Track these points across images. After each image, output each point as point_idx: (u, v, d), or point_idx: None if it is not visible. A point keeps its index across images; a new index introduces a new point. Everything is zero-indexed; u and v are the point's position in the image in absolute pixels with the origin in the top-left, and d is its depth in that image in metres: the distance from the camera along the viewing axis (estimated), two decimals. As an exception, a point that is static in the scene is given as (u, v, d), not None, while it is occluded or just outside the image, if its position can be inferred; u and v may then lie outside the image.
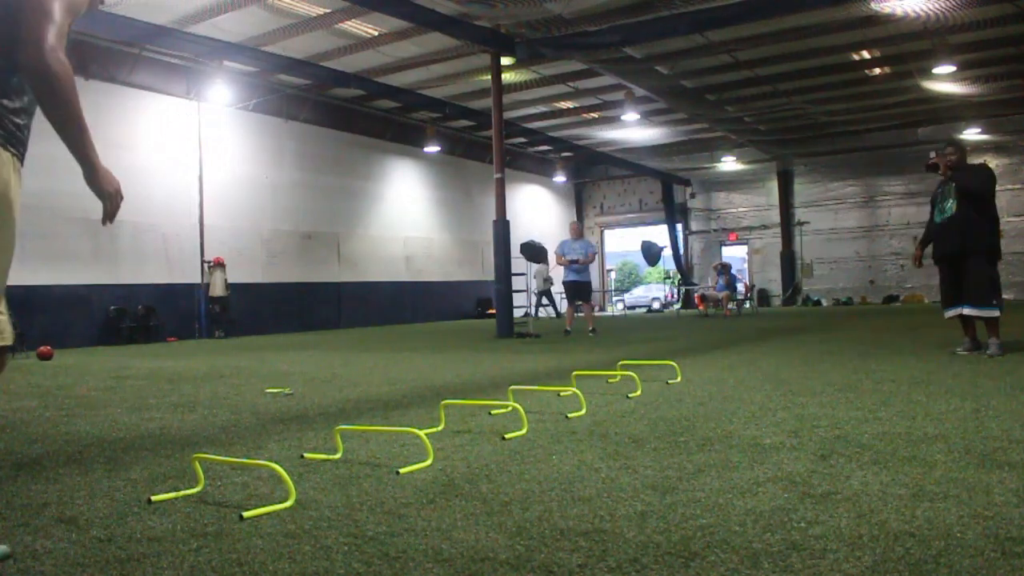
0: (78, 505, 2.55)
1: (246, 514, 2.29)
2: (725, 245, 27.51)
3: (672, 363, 5.91)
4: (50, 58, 1.85)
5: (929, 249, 6.80)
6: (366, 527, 2.18)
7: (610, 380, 5.41)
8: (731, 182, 26.95)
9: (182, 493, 2.63)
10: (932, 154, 6.72)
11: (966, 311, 6.40)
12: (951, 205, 6.43)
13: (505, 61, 13.98)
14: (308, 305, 17.48)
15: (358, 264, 18.93)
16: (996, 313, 6.29)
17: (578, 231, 12.48)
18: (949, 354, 6.56)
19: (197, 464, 2.73)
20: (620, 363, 6.17)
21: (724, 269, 19.08)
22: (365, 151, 19.36)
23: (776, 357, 7.01)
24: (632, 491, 2.46)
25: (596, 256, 11.79)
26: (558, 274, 13.96)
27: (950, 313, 6.58)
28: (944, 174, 6.50)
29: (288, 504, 2.41)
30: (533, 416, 3.96)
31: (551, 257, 11.68)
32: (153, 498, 2.57)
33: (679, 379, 5.37)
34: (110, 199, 2.04)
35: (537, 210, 26.30)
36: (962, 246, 6.34)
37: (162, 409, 4.85)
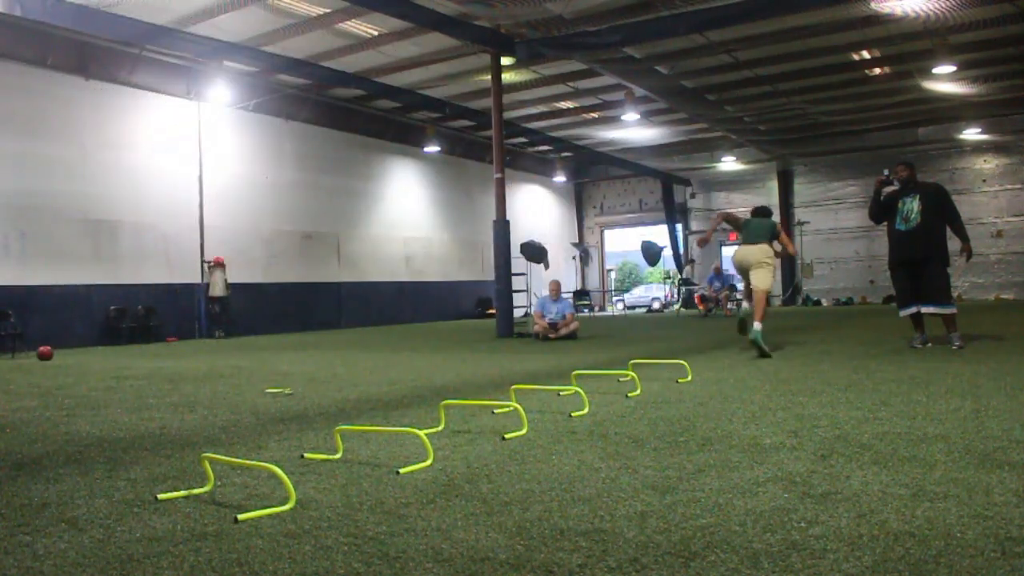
0: (78, 505, 2.55)
1: (241, 516, 2.29)
2: (725, 245, 27.48)
3: (683, 362, 5.90)
4: None
5: (885, 251, 7.59)
6: (366, 527, 2.18)
7: (621, 380, 5.41)
8: (731, 182, 26.92)
9: (191, 492, 2.63)
10: (886, 171, 7.41)
11: (929, 310, 7.17)
12: (916, 216, 7.12)
13: (505, 61, 13.96)
14: (308, 305, 17.48)
15: (358, 264, 18.92)
16: (955, 310, 7.19)
17: (557, 290, 11.67)
18: (909, 348, 7.23)
19: (207, 464, 2.73)
20: (632, 362, 6.16)
21: (716, 272, 19.65)
22: (365, 151, 19.35)
23: (776, 357, 7.01)
24: (632, 491, 2.46)
25: (574, 317, 11.47)
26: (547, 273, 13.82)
27: (907, 312, 7.32)
28: (911, 185, 7.21)
29: (288, 507, 2.41)
30: (533, 416, 3.96)
31: (551, 257, 11.55)
32: (159, 496, 2.57)
33: (689, 378, 5.36)
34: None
35: (537, 210, 26.29)
36: (926, 253, 7.09)
37: (162, 409, 4.85)
